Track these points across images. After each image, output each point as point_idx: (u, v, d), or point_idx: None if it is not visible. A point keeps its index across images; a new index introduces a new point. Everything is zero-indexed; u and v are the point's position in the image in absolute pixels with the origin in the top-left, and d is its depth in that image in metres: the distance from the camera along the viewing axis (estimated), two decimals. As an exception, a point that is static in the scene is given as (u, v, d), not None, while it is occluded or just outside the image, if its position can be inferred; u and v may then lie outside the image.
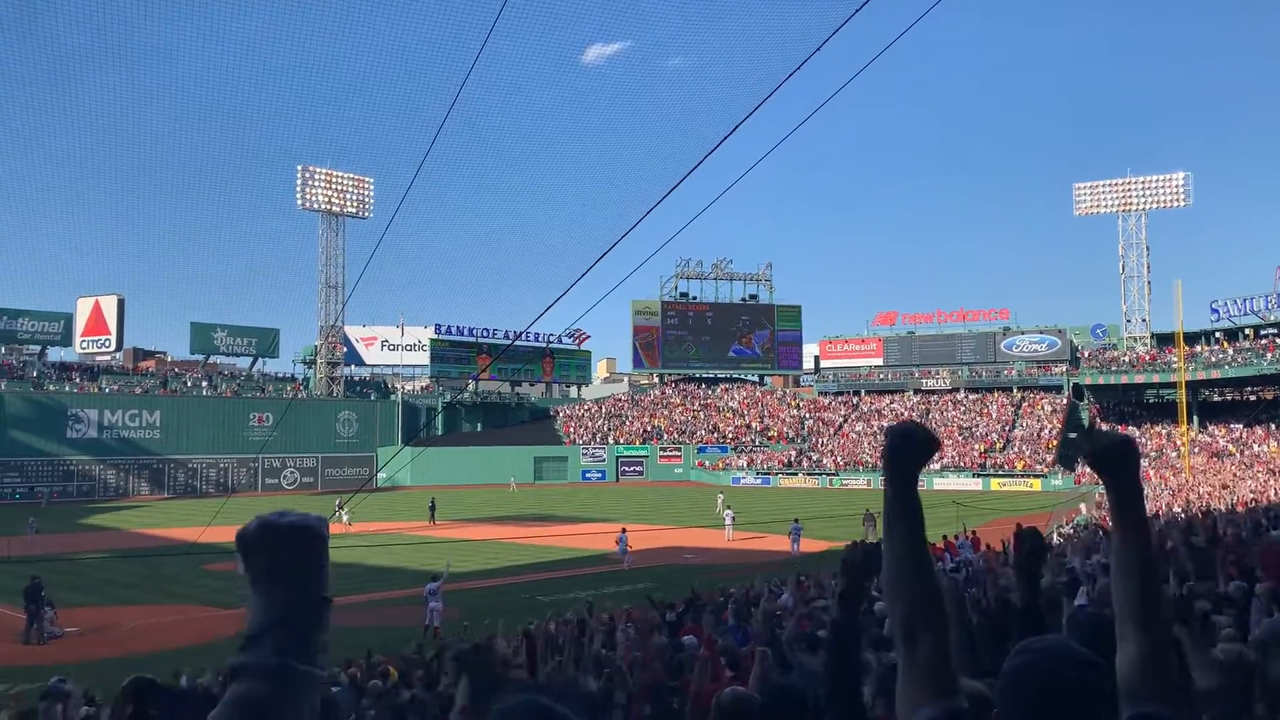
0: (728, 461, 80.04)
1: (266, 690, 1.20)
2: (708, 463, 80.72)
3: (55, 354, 75.52)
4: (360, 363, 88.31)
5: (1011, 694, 1.75)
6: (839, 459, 76.87)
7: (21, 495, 60.00)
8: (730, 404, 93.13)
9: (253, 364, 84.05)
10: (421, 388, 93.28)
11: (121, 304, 76.28)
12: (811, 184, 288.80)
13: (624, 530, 34.62)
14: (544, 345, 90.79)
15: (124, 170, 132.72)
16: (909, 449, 1.92)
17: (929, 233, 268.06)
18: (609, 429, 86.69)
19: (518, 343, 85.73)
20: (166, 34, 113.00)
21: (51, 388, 69.98)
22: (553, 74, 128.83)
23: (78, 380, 72.85)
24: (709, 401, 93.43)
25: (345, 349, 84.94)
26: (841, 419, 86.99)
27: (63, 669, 14.36)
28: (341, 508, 35.63)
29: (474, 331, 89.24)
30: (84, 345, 75.76)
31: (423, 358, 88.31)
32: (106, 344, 76.53)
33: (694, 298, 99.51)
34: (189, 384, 78.75)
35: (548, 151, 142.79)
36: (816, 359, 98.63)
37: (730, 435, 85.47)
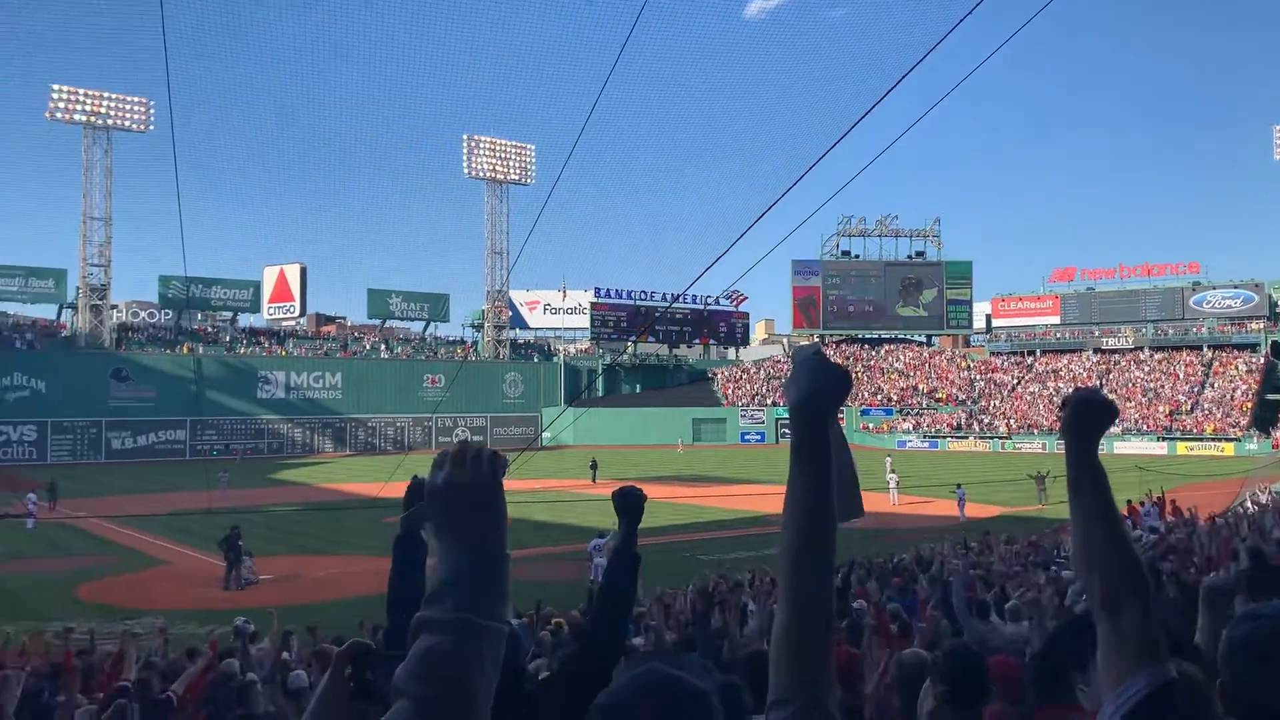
0: (892, 424, 78.03)
1: (449, 644, 1.24)
2: (871, 425, 78.92)
3: (245, 320, 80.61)
4: (524, 326, 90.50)
5: (1243, 661, 1.66)
6: (1012, 422, 73.68)
7: (219, 452, 64.49)
8: (895, 365, 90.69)
9: (425, 328, 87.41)
10: (582, 350, 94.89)
11: (304, 272, 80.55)
12: (980, 137, 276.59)
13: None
14: (701, 307, 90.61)
15: (307, 145, 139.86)
16: (1089, 416, 1.86)
17: (1109, 185, 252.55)
18: (768, 391, 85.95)
19: (676, 305, 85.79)
20: (342, 23, 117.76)
21: (243, 351, 74.85)
22: (715, 29, 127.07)
23: (266, 344, 77.59)
24: (873, 363, 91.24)
25: (510, 313, 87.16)
26: (1015, 380, 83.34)
27: (255, 613, 15.23)
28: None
29: (632, 294, 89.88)
30: (271, 311, 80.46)
31: (583, 321, 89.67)
32: (291, 310, 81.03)
33: (857, 256, 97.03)
34: (367, 347, 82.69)
35: (707, 111, 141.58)
36: (988, 318, 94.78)
37: (895, 397, 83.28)
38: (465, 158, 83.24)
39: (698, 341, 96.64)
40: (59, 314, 72.42)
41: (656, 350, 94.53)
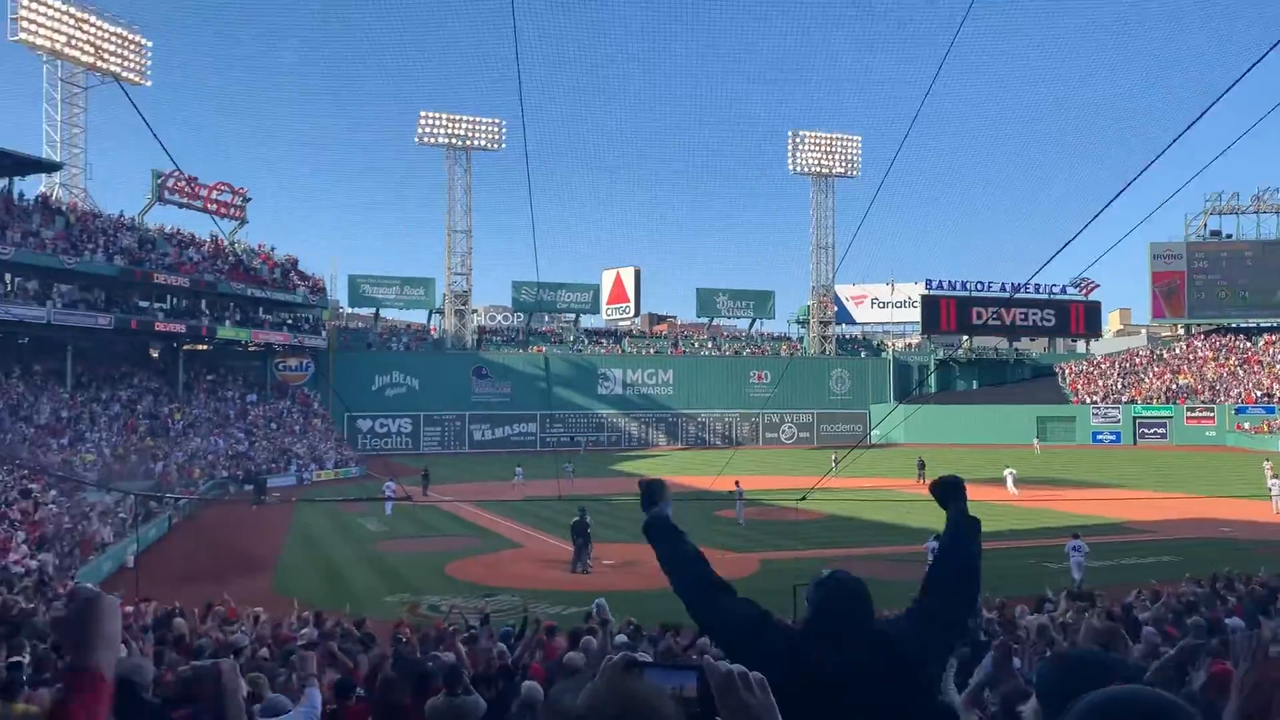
0: (1275, 424, 68.38)
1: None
2: (1248, 425, 69.67)
3: (586, 321, 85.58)
4: (851, 321, 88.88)
5: None
6: None
7: (564, 443, 68.93)
8: (1278, 357, 79.43)
9: (751, 325, 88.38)
10: (912, 345, 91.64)
11: (638, 274, 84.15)
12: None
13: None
14: (1046, 297, 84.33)
15: (641, 153, 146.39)
16: None
17: None
18: (1124, 386, 78.39)
19: (1017, 295, 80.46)
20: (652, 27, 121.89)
21: (585, 350, 79.61)
22: (1046, 12, 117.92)
23: (604, 343, 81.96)
24: (1249, 355, 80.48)
25: (836, 308, 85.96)
26: None
27: (604, 595, 15.89)
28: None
29: (966, 285, 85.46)
30: (608, 312, 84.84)
31: (913, 314, 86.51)
32: (626, 310, 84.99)
33: (1229, 235, 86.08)
34: (696, 345, 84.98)
35: (1044, 95, 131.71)
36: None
37: (1277, 394, 72.92)
38: (790, 153, 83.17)
39: (1043, 333, 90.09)
40: (429, 318, 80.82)
41: (995, 344, 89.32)
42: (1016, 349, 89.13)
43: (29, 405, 45.51)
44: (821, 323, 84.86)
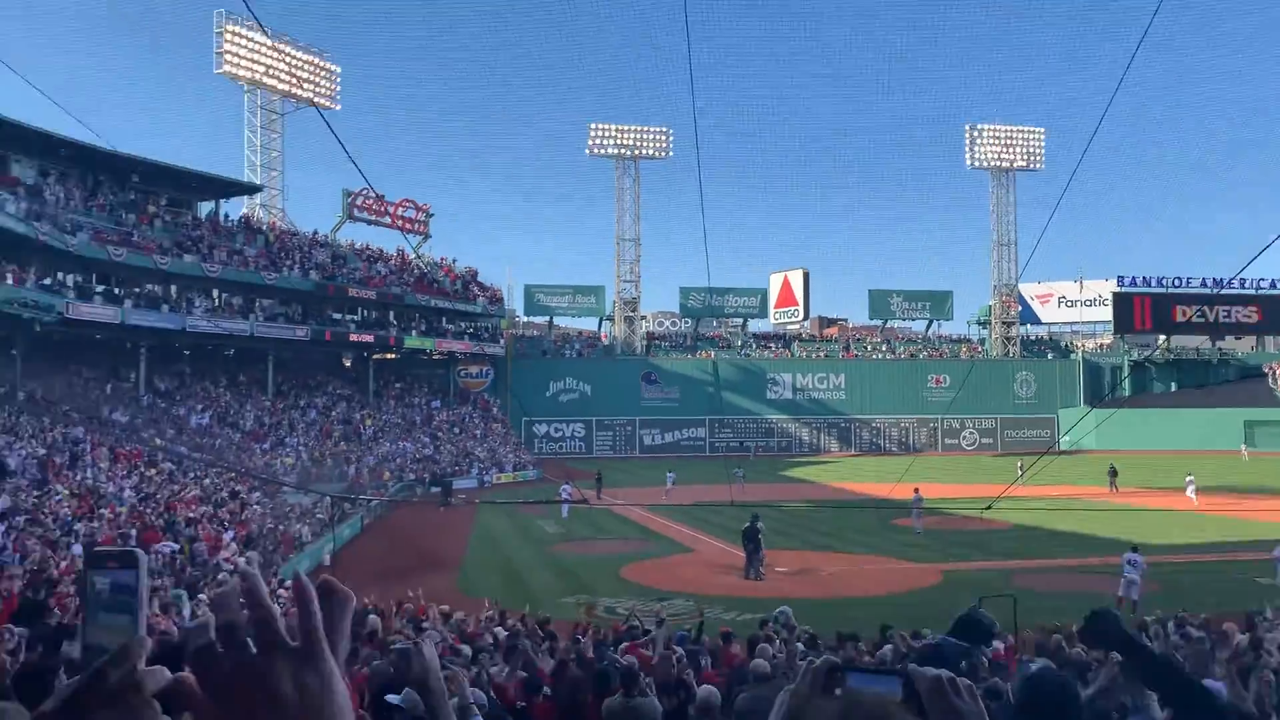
0: None
1: None
2: None
3: (754, 325, 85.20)
4: (1036, 321, 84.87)
5: None
6: None
7: (733, 449, 68.78)
8: None
9: (928, 327, 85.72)
10: (1103, 345, 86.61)
11: (807, 277, 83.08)
12: None
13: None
14: (1252, 292, 78.04)
15: (809, 153, 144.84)
16: None
17: None
18: (1348, 388, 71.62)
19: (1222, 290, 74.79)
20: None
21: (753, 355, 79.25)
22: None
23: (773, 348, 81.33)
24: None
25: (1020, 307, 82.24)
26: None
27: (778, 602, 15.73)
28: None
29: (1163, 281, 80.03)
30: (777, 316, 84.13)
31: (1104, 313, 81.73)
32: (795, 314, 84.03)
33: None
34: (869, 348, 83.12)
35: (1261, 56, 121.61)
36: None
37: None
38: (968, 148, 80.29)
39: (1251, 331, 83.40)
40: (599, 325, 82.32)
41: (1197, 343, 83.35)
42: (1220, 348, 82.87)
43: (235, 412, 49.06)
44: (1004, 323, 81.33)
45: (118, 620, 0.98)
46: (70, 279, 41.53)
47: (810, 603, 20.58)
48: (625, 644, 12.11)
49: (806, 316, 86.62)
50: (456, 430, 60.59)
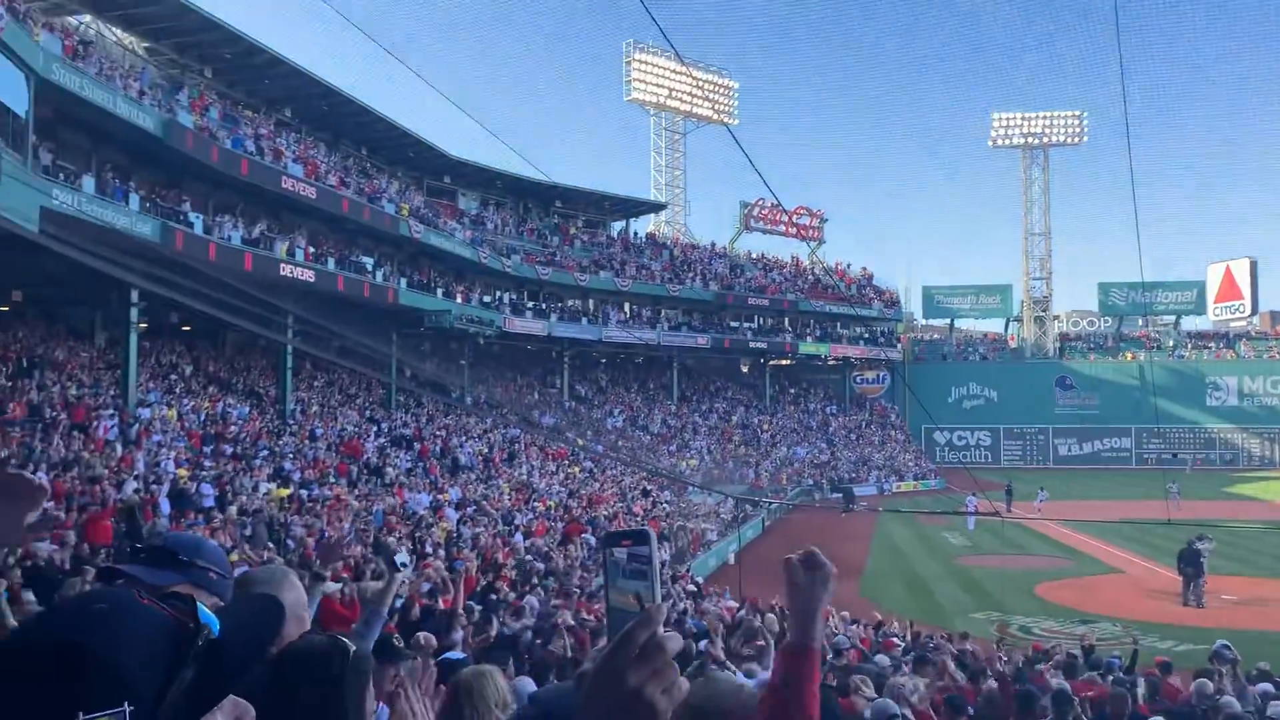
0: None
1: None
2: None
3: (1188, 322, 76.06)
4: None
5: None
6: None
7: (1165, 460, 61.71)
8: None
9: None
10: None
11: (1254, 266, 72.79)
12: None
13: None
14: None
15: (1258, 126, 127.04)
16: None
17: None
18: None
19: None
20: None
21: (1188, 356, 70.69)
22: None
23: (1213, 347, 72.06)
24: None
25: None
26: None
27: (1222, 633, 13.81)
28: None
29: None
30: (1217, 312, 74.50)
31: None
32: (1240, 309, 73.85)
33: None
34: (1338, 346, 70.80)
35: None
36: None
37: None
38: None
39: None
40: (1006, 327, 77.67)
41: None
42: None
43: (644, 416, 52.59)
44: None
45: (636, 585, 1.13)
46: (505, 296, 47.11)
47: (1259, 635, 17.96)
48: (1045, 665, 11.29)
49: (1254, 311, 75.77)
50: (853, 436, 60.27)
